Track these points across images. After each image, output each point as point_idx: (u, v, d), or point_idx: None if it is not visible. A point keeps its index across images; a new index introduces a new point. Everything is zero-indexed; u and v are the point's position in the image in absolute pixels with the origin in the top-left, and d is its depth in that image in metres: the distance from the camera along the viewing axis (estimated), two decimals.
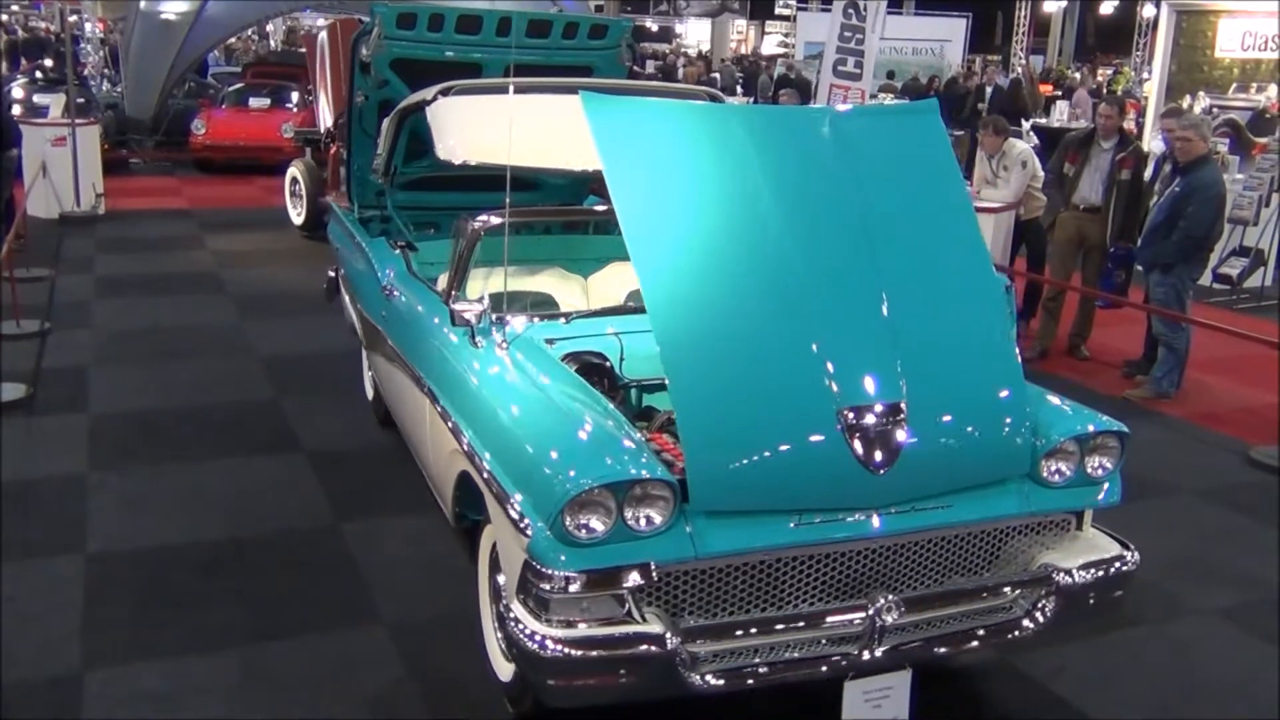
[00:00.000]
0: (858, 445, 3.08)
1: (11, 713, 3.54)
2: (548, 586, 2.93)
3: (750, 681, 3.02)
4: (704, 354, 3.15)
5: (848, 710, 3.10)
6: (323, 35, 12.32)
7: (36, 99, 13.94)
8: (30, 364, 6.98)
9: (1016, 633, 3.33)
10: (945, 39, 26.05)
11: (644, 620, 2.95)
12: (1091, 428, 3.44)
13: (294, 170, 12.13)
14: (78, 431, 5.97)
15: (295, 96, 16.79)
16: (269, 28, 31.10)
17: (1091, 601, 3.41)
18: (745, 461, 3.05)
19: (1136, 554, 3.50)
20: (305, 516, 5.03)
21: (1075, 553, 3.43)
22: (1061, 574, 3.33)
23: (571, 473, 2.94)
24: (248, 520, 4.96)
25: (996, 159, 8.64)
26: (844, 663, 3.08)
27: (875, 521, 3.11)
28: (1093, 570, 3.37)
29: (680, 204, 3.37)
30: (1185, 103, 14.26)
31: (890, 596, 3.08)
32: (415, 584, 4.41)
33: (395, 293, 5.03)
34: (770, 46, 37.72)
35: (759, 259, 3.32)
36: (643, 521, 2.94)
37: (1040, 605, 3.33)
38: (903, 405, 3.14)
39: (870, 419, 3.11)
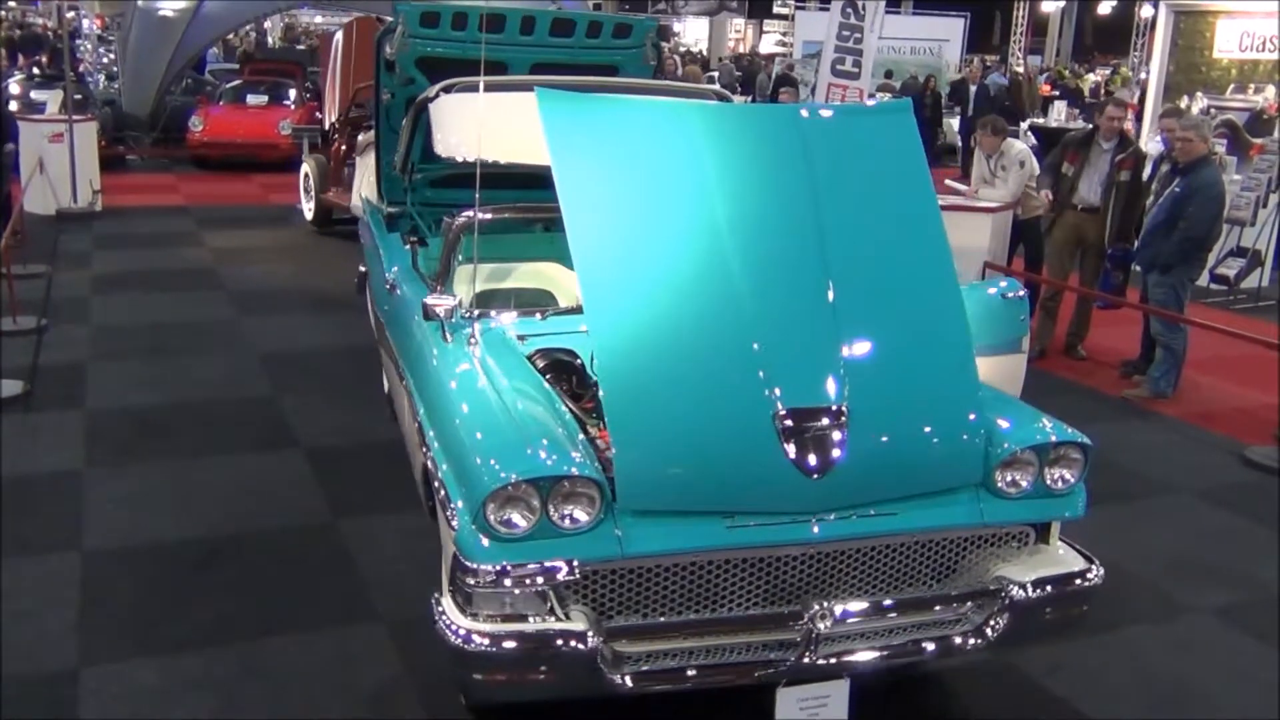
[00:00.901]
0: (793, 448, 3.01)
1: (8, 709, 3.54)
2: (471, 580, 2.92)
3: (677, 685, 2.98)
4: (638, 352, 3.11)
5: (782, 714, 3.05)
6: (339, 34, 12.37)
7: (34, 95, 13.93)
8: (27, 360, 6.96)
9: (966, 646, 3.24)
10: (943, 39, 26.03)
11: (567, 618, 2.93)
12: (1053, 438, 3.33)
13: (306, 166, 12.27)
14: (75, 428, 5.97)
15: (293, 94, 16.77)
16: (266, 24, 31.09)
17: (1048, 617, 3.32)
18: (675, 461, 3.00)
19: (1100, 569, 3.40)
20: (303, 513, 5.03)
21: (1034, 566, 3.33)
22: (1016, 588, 3.22)
23: (496, 466, 2.94)
24: (245, 517, 4.96)
25: (994, 159, 8.63)
26: (777, 670, 3.03)
27: (813, 527, 3.03)
28: (1049, 585, 3.27)
29: (627, 202, 3.34)
30: (1183, 103, 14.27)
31: (825, 604, 3.02)
32: (413, 580, 4.40)
33: (396, 288, 5.04)
34: (768, 45, 37.70)
35: (704, 259, 3.27)
36: (568, 519, 2.92)
37: (992, 619, 3.23)
38: (844, 409, 3.07)
39: (807, 422, 3.04)
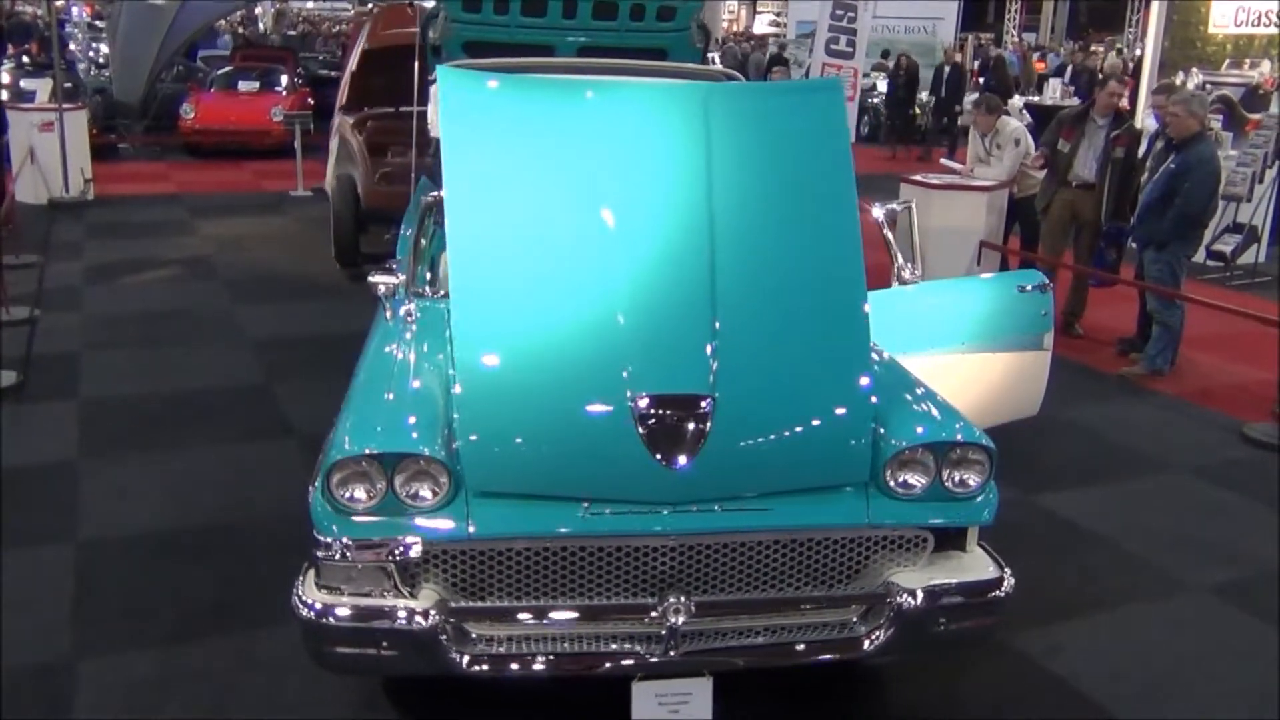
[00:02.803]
0: (650, 436, 2.90)
1: (5, 698, 3.53)
2: (319, 553, 2.91)
3: (524, 670, 2.93)
4: (498, 332, 3.07)
5: (638, 712, 2.97)
6: (367, 24, 12.34)
7: (23, 84, 13.83)
8: (20, 350, 6.93)
9: (845, 652, 3.06)
10: (937, 17, 25.91)
11: (412, 595, 2.91)
12: (956, 437, 3.11)
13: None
14: (68, 418, 5.94)
15: (284, 80, 16.69)
16: (258, 10, 30.94)
17: (941, 627, 3.10)
18: (527, 444, 2.94)
19: (1010, 581, 3.16)
20: (297, 502, 4.99)
21: (939, 573, 3.12)
22: (904, 595, 3.01)
23: (344, 439, 2.93)
24: (240, 506, 4.94)
25: (989, 137, 8.61)
26: (631, 662, 2.94)
27: (672, 519, 2.90)
28: (941, 595, 3.05)
29: (512, 183, 3.30)
30: (1178, 79, 14.23)
31: (681, 598, 2.91)
32: None
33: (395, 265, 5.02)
34: (762, 26, 37.56)
35: (583, 241, 3.22)
36: (416, 497, 2.89)
37: (877, 626, 3.05)
38: (709, 398, 2.95)
39: (666, 410, 2.93)
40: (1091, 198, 7.75)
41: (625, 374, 2.96)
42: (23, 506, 4.87)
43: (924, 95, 19.07)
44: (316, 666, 3.10)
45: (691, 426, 2.92)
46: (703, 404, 2.94)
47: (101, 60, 19.56)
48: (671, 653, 2.91)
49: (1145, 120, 8.63)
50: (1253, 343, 7.35)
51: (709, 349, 3.04)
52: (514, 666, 2.93)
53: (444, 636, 2.87)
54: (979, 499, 3.14)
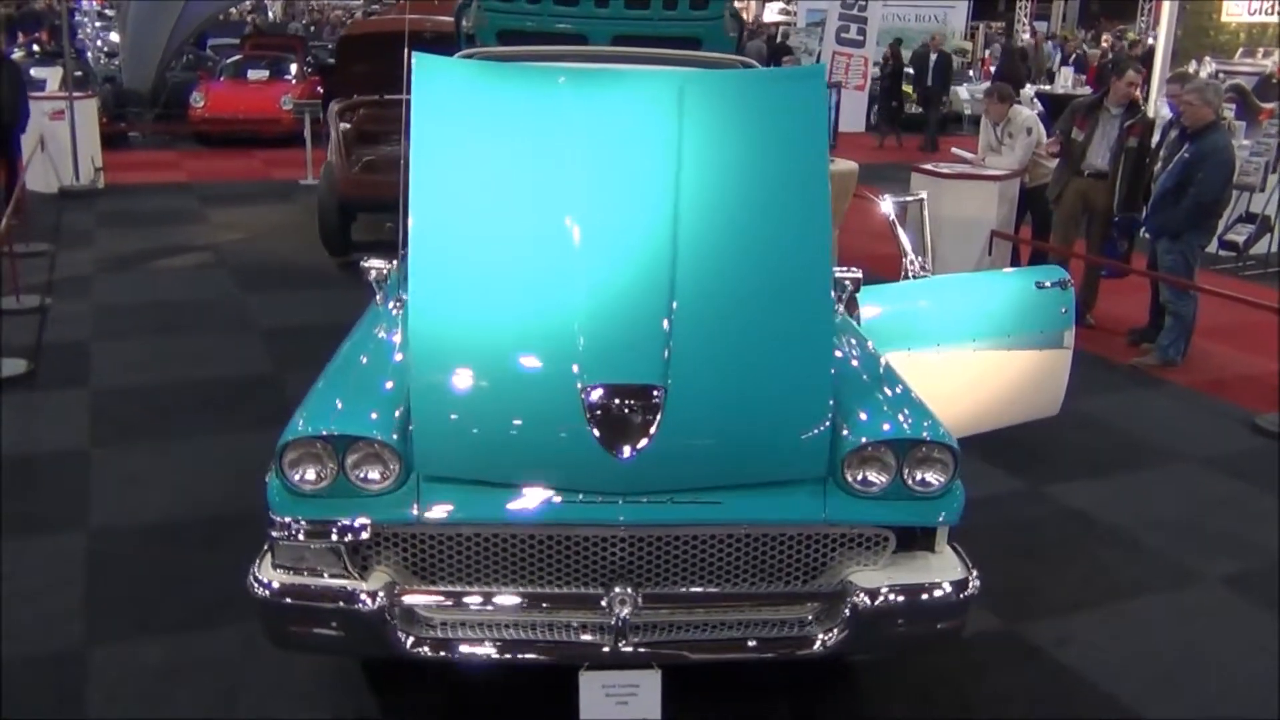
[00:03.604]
0: (600, 426, 2.87)
1: (16, 688, 3.54)
2: (274, 533, 2.94)
3: (471, 654, 2.94)
4: (454, 318, 3.06)
5: (585, 702, 2.94)
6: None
7: (34, 72, 13.85)
8: (31, 339, 6.96)
9: (798, 650, 2.98)
10: (949, 5, 25.78)
11: (361, 577, 2.93)
12: (924, 435, 3.01)
13: None
14: (79, 407, 5.96)
15: (294, 68, 16.68)
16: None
17: (900, 628, 3.03)
18: (475, 430, 2.94)
19: (976, 584, 3.06)
20: None
21: (900, 573, 3.02)
22: (860, 594, 2.93)
23: (299, 420, 2.95)
24: (249, 495, 4.92)
25: (1001, 126, 8.58)
26: (577, 652, 2.93)
27: (622, 509, 2.87)
28: (898, 595, 2.96)
29: (479, 170, 3.29)
30: (1191, 68, 14.14)
31: (628, 590, 2.89)
32: None
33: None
34: (772, 14, 37.41)
35: (546, 229, 3.20)
36: (366, 479, 2.91)
37: (832, 625, 2.97)
38: (661, 389, 2.91)
39: (617, 400, 2.89)
40: (1104, 187, 7.71)
41: (578, 363, 2.95)
42: (34, 495, 4.89)
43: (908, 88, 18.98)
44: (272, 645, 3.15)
45: (642, 417, 2.89)
46: (654, 395, 2.91)
47: (111, 49, 19.58)
48: (620, 644, 2.89)
49: (1160, 109, 8.57)
50: (1265, 333, 7.30)
51: (664, 340, 3.01)
52: (460, 651, 2.94)
53: (391, 618, 2.89)
54: (943, 499, 3.04)
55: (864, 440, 2.96)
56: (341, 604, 2.88)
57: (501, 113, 3.42)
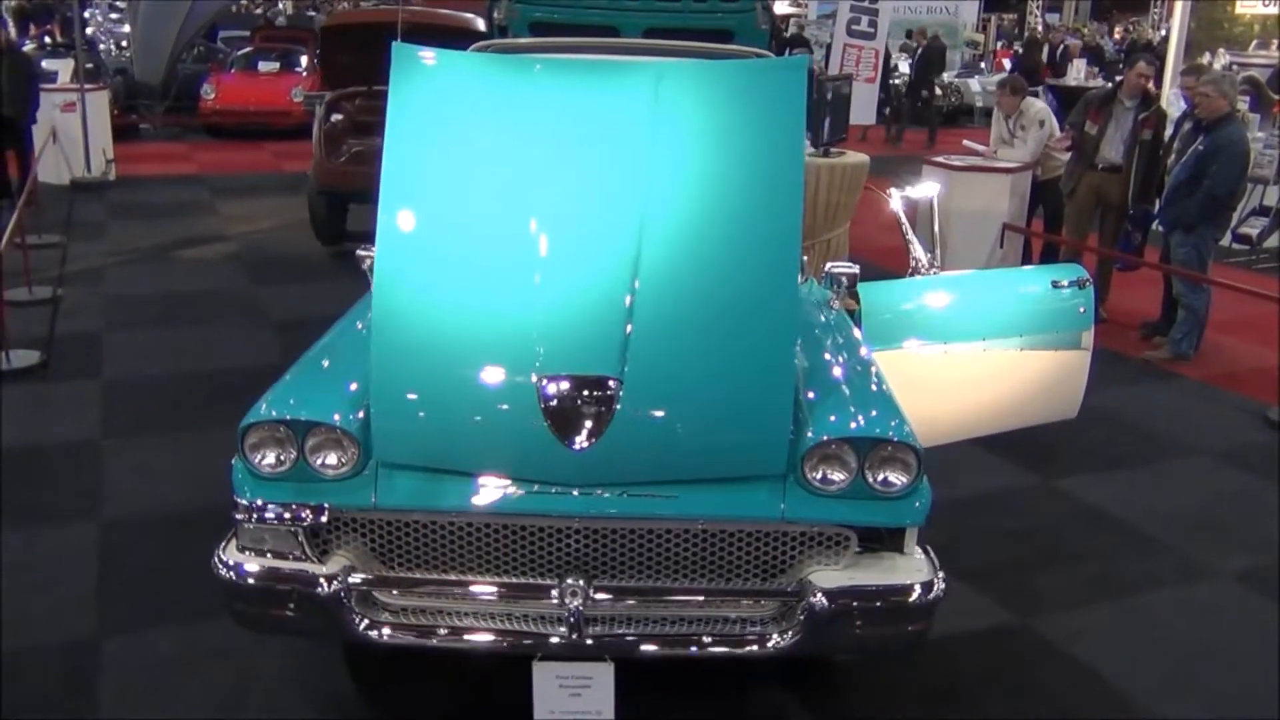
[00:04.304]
0: (555, 417, 2.87)
1: (30, 677, 3.56)
2: (237, 515, 2.99)
3: (425, 641, 2.97)
4: (416, 306, 3.07)
5: (538, 693, 2.94)
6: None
7: (45, 64, 13.88)
8: (43, 330, 6.98)
9: (753, 648, 2.94)
10: None
11: (319, 560, 2.96)
12: (887, 434, 2.94)
13: None
14: (91, 397, 5.98)
15: (304, 60, 16.69)
16: None
17: (858, 631, 2.96)
18: (432, 418, 2.96)
19: (940, 587, 2.96)
20: None
21: (863, 574, 2.95)
22: (817, 594, 2.87)
23: (262, 405, 3.01)
24: None
25: (1014, 119, 8.54)
26: (530, 642, 2.93)
27: (576, 501, 2.87)
28: (857, 596, 2.90)
29: (447, 157, 3.30)
30: (1204, 60, 14.07)
31: (580, 581, 2.88)
32: None
33: None
34: (782, 7, 37.30)
35: (510, 220, 3.21)
36: (325, 464, 2.94)
37: (789, 625, 2.93)
38: (617, 380, 2.89)
39: (572, 391, 2.88)
40: (1118, 180, 7.67)
41: (535, 354, 2.95)
42: (47, 485, 4.91)
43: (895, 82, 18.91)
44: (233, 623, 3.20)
45: (597, 409, 2.89)
46: (609, 386, 2.90)
47: (123, 41, 19.61)
48: (573, 635, 2.88)
49: (1174, 103, 8.53)
50: (1278, 327, 7.27)
51: (623, 333, 2.99)
52: (413, 637, 2.97)
53: (347, 603, 2.92)
54: (906, 500, 2.96)
55: (825, 437, 2.91)
56: (298, 587, 2.93)
57: (476, 104, 3.43)
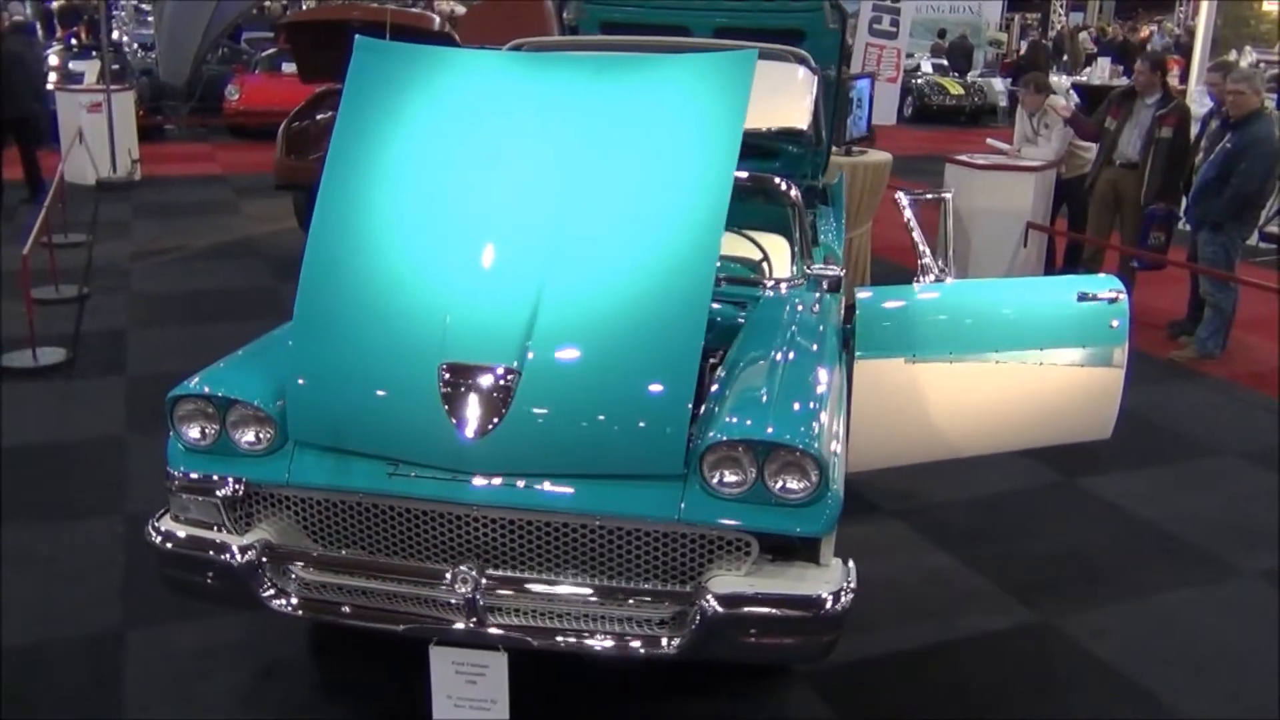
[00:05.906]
0: (453, 404, 2.91)
1: (55, 669, 3.60)
2: (168, 485, 3.14)
3: (333, 616, 3.08)
4: (337, 291, 3.17)
5: (436, 676, 2.98)
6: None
7: (72, 65, 14.02)
8: (69, 328, 7.04)
9: (645, 650, 2.89)
10: None
11: (239, 532, 3.07)
12: (784, 437, 2.82)
13: None
14: (116, 394, 6.02)
15: None
16: None
17: (752, 639, 2.87)
18: (343, 399, 3.04)
19: (845, 600, 2.83)
20: None
21: (764, 582, 2.85)
22: (709, 599, 2.78)
23: (192, 380, 3.14)
24: None
25: (1037, 117, 8.49)
26: (425, 625, 2.97)
27: (471, 489, 2.87)
28: (748, 603, 2.80)
29: (388, 150, 3.38)
30: (1231, 57, 13.95)
31: (470, 569, 2.86)
32: None
33: None
34: None
35: (436, 209, 3.29)
36: (244, 441, 3.06)
37: (681, 629, 2.86)
38: (514, 371, 2.91)
39: (472, 379, 2.92)
40: (1134, 177, 7.62)
41: (440, 341, 3.01)
42: (72, 481, 4.95)
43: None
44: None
45: (494, 398, 2.92)
46: (508, 376, 2.93)
47: (147, 42, 19.76)
48: (469, 622, 2.90)
49: (1201, 100, 8.44)
50: None
51: (527, 324, 3.02)
52: (317, 612, 3.09)
53: (261, 573, 3.01)
54: (810, 508, 2.85)
55: (722, 438, 2.84)
56: (214, 555, 3.04)
57: (423, 97, 3.50)
